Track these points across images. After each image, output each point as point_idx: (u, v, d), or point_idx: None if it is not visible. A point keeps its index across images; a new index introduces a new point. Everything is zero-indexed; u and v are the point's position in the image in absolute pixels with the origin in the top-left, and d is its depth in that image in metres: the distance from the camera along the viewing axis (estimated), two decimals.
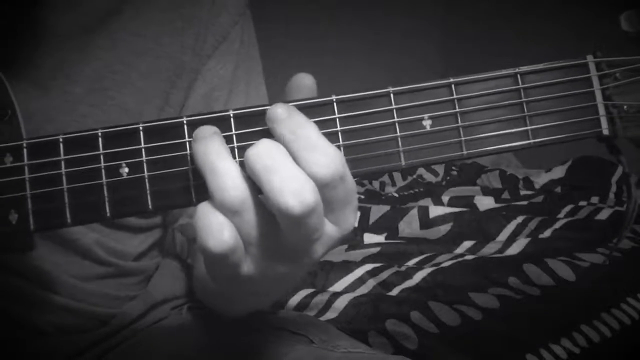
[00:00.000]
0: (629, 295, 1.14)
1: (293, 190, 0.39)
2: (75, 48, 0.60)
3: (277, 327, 0.69)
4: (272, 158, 0.40)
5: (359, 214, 1.74)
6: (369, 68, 2.76)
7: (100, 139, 0.43)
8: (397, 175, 2.37)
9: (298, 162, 0.40)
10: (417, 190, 2.14)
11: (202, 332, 0.71)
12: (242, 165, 0.41)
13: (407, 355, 0.88)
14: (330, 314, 1.14)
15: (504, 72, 0.45)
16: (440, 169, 2.46)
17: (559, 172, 2.19)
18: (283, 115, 0.41)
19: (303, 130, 0.40)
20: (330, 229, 0.42)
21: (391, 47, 2.99)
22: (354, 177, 0.43)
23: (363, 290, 1.26)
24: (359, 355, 0.65)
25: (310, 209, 0.39)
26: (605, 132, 0.45)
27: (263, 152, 0.40)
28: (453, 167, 2.45)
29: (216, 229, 0.40)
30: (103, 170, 0.43)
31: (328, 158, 0.40)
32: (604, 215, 1.64)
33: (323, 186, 0.40)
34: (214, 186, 0.40)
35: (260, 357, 0.65)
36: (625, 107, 0.45)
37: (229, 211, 0.40)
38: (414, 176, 2.38)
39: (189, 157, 0.43)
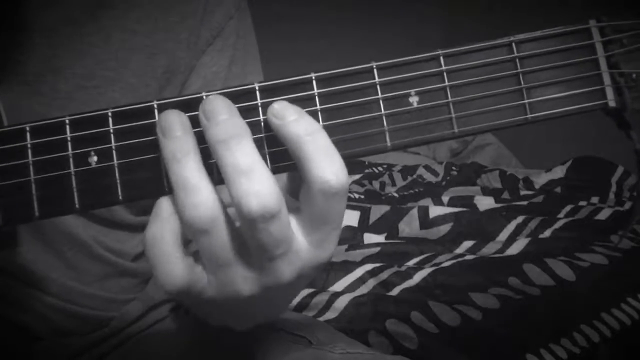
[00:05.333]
0: (629, 295, 1.14)
1: (255, 192, 0.37)
2: (65, 44, 0.58)
3: (274, 328, 0.69)
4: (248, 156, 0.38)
5: (359, 213, 1.74)
6: (367, 55, 2.75)
7: (67, 127, 0.41)
8: (397, 175, 2.37)
9: (308, 163, 0.38)
10: (417, 190, 2.14)
11: (200, 333, 0.71)
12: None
13: (407, 355, 0.88)
14: (330, 314, 1.14)
15: (497, 41, 0.41)
16: (440, 169, 2.46)
17: (559, 172, 2.18)
18: (293, 115, 0.39)
19: (320, 133, 0.38)
20: (304, 247, 0.40)
21: (390, 29, 2.98)
22: None
23: (363, 290, 1.26)
24: (358, 356, 0.64)
25: (275, 213, 0.37)
26: (612, 103, 0.41)
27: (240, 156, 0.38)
28: (453, 167, 2.46)
29: (170, 268, 0.39)
30: (71, 159, 0.41)
31: (341, 167, 0.38)
32: (604, 215, 1.64)
33: (330, 196, 0.38)
34: (183, 202, 0.38)
35: (258, 358, 0.64)
36: (633, 75, 0.40)
37: (198, 231, 0.39)
38: (414, 176, 2.38)
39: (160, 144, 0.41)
